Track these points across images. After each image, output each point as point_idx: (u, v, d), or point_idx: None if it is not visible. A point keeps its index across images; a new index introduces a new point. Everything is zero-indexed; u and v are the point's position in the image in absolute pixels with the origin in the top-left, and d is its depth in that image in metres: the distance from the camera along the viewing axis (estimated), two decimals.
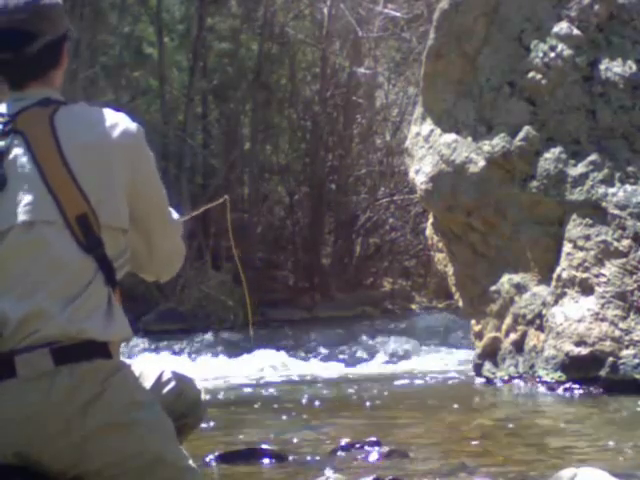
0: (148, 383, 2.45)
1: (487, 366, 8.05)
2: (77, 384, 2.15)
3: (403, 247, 20.12)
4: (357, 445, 5.19)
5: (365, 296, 18.24)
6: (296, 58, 20.01)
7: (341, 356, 11.42)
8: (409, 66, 19.42)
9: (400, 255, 20.09)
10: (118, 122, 2.31)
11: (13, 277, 2.18)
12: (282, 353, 11.19)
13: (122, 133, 2.29)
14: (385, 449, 5.07)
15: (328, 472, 4.52)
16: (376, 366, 10.51)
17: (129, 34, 18.53)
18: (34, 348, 2.14)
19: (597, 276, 7.27)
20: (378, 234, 20.03)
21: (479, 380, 8.13)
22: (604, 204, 7.36)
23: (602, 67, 7.62)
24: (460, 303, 8.55)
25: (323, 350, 11.91)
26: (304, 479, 4.59)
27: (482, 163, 7.88)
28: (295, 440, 5.66)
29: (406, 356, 11.14)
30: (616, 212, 7.29)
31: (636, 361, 7.02)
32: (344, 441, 5.29)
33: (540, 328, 7.58)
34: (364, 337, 12.71)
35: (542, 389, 7.39)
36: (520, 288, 7.74)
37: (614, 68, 7.60)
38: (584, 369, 7.18)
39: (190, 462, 2.33)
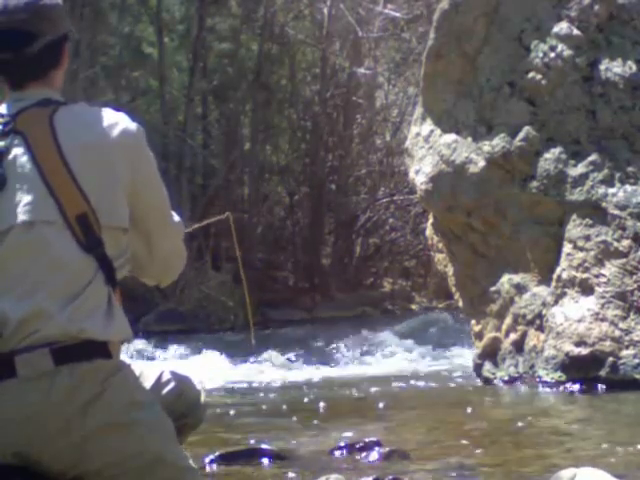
0: (148, 383, 2.45)
1: (487, 366, 8.05)
2: (77, 384, 2.15)
3: (403, 247, 20.14)
4: (357, 445, 5.19)
5: (365, 296, 18.25)
6: (296, 58, 20.03)
7: (341, 356, 11.41)
8: (409, 66, 19.43)
9: (400, 255, 20.11)
10: (118, 122, 2.30)
11: (13, 277, 2.18)
12: (282, 353, 11.18)
13: (122, 133, 2.29)
14: (385, 449, 5.06)
15: (328, 472, 4.51)
16: (376, 366, 10.50)
17: (129, 34, 18.54)
18: (34, 348, 2.14)
19: (597, 276, 7.27)
20: (378, 234, 20.04)
21: (479, 380, 8.13)
22: (604, 204, 7.36)
23: (602, 67, 7.62)
24: (460, 303, 8.55)
25: (323, 350, 11.91)
26: (304, 479, 4.59)
27: (482, 163, 7.88)
28: (295, 440, 5.66)
29: (406, 356, 11.14)
30: (616, 212, 7.29)
31: (636, 361, 7.02)
32: (344, 441, 5.29)
33: (540, 328, 7.58)
34: (364, 337, 12.71)
35: (542, 389, 7.39)
36: (520, 288, 7.73)
37: (614, 68, 7.60)
38: (584, 369, 7.18)
39: (190, 462, 2.33)
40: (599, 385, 7.11)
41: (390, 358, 11.10)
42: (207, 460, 4.92)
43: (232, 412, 6.99)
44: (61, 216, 2.20)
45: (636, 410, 6.48)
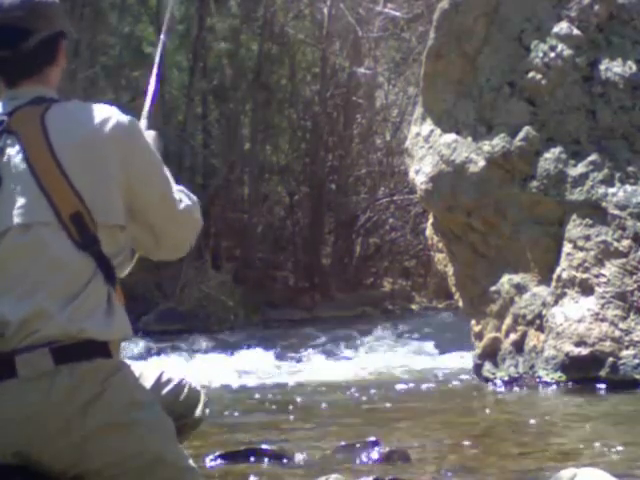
0: (148, 383, 2.45)
1: (487, 366, 8.05)
2: (77, 384, 2.15)
3: (403, 247, 20.13)
4: (357, 445, 5.19)
5: (365, 296, 18.23)
6: (296, 58, 20.01)
7: (341, 356, 11.41)
8: (409, 66, 19.42)
9: (400, 255, 20.10)
10: (109, 117, 2.29)
11: (12, 278, 2.18)
12: (282, 353, 11.18)
13: (113, 128, 2.27)
14: (385, 449, 5.07)
15: (328, 472, 4.51)
16: (376, 366, 10.50)
17: (129, 34, 18.53)
18: (34, 348, 2.14)
19: (597, 276, 7.27)
20: (378, 234, 20.03)
21: (479, 380, 8.13)
22: (604, 204, 7.36)
23: (602, 67, 7.62)
24: (460, 303, 8.54)
25: (323, 350, 11.91)
26: (304, 479, 4.59)
27: (482, 163, 7.88)
28: (295, 440, 5.66)
29: (406, 356, 11.14)
30: (616, 212, 7.29)
31: (636, 361, 7.02)
32: (344, 441, 5.29)
33: (540, 328, 7.58)
34: (364, 337, 12.70)
35: (542, 389, 7.39)
36: (520, 288, 7.73)
37: (614, 68, 7.60)
38: (584, 369, 7.18)
39: (190, 462, 2.33)
40: (599, 385, 7.11)
41: (390, 358, 11.10)
42: (207, 460, 4.92)
43: (232, 412, 6.98)
44: (55, 216, 2.20)
45: (636, 410, 6.48)
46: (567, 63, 7.69)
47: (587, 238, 7.36)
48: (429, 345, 11.77)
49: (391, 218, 20.10)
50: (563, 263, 7.47)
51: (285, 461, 4.98)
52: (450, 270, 8.50)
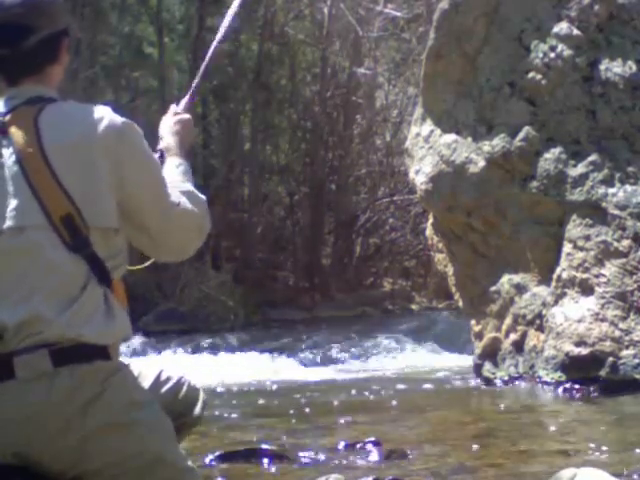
0: (147, 383, 2.45)
1: (487, 366, 8.05)
2: (77, 385, 2.15)
3: (403, 247, 20.13)
4: (357, 445, 5.19)
5: (365, 296, 18.24)
6: (296, 58, 20.02)
7: (341, 356, 11.41)
8: (409, 66, 19.42)
9: (400, 255, 20.10)
10: (101, 119, 2.26)
11: (7, 283, 2.17)
12: (282, 353, 11.19)
13: (105, 130, 2.25)
14: (385, 449, 5.07)
15: (328, 472, 4.51)
16: (375, 366, 10.50)
17: (129, 34, 18.53)
18: (33, 349, 2.13)
19: (597, 276, 7.27)
20: (378, 234, 20.04)
21: (479, 380, 8.13)
22: (604, 204, 7.36)
23: (602, 67, 7.62)
24: (460, 303, 8.55)
25: (323, 350, 11.91)
26: (304, 479, 4.59)
27: (482, 163, 7.88)
28: (295, 440, 5.66)
29: (406, 356, 11.14)
30: (616, 212, 7.29)
31: (636, 361, 7.02)
32: (344, 441, 5.29)
33: (540, 328, 7.58)
34: (364, 337, 12.71)
35: (542, 389, 7.39)
36: (520, 288, 7.73)
37: (614, 68, 7.59)
38: (584, 369, 7.18)
39: (189, 463, 2.33)
40: (599, 385, 7.11)
41: (390, 358, 11.11)
42: (207, 460, 4.92)
43: (232, 412, 6.98)
44: (46, 219, 2.19)
45: (636, 410, 6.47)
46: (567, 63, 7.69)
47: (587, 238, 7.36)
48: (429, 345, 11.78)
49: (391, 218, 20.11)
50: (563, 263, 7.47)
51: (285, 461, 4.98)
52: (450, 270, 8.50)
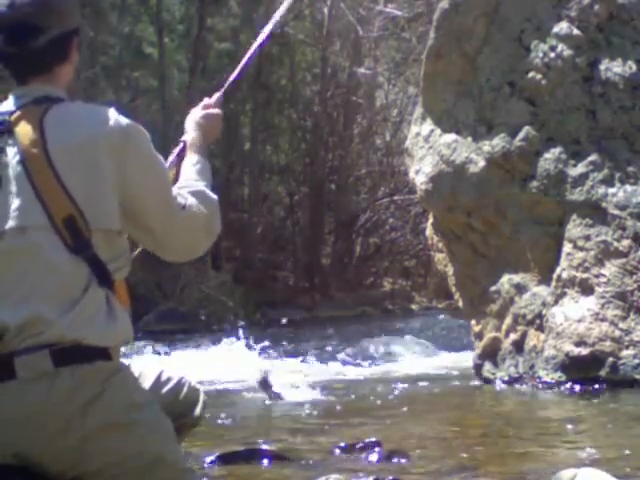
0: (147, 383, 2.45)
1: (487, 366, 8.05)
2: (77, 385, 2.15)
3: (403, 247, 20.15)
4: (357, 445, 5.19)
5: (365, 296, 18.25)
6: (296, 58, 20.03)
7: (341, 356, 11.41)
8: (409, 66, 19.44)
9: (400, 255, 20.12)
10: (106, 120, 2.26)
11: (8, 283, 2.18)
12: (282, 353, 11.18)
13: (109, 131, 2.25)
14: (385, 449, 5.06)
15: (328, 472, 4.51)
16: (376, 366, 10.50)
17: (129, 34, 18.54)
18: (34, 350, 2.14)
19: (597, 276, 7.27)
20: (378, 234, 20.05)
21: (479, 380, 8.13)
22: (604, 204, 7.36)
23: (602, 67, 7.62)
24: (460, 303, 8.54)
25: (323, 350, 11.91)
26: (304, 479, 4.59)
27: (482, 163, 7.88)
28: (295, 440, 5.66)
29: (406, 356, 11.14)
30: (616, 212, 7.29)
31: (636, 361, 7.02)
32: (344, 441, 5.29)
33: (540, 328, 7.58)
34: (364, 337, 12.70)
35: (542, 389, 7.39)
36: (520, 288, 7.73)
37: (614, 68, 7.59)
38: (584, 369, 7.18)
39: (189, 463, 2.33)
40: (599, 385, 7.11)
41: (390, 358, 11.10)
42: (207, 460, 4.91)
43: (232, 412, 6.98)
44: (49, 220, 2.19)
45: (636, 410, 6.47)
46: (567, 63, 7.69)
47: (587, 238, 7.35)
48: (429, 345, 11.77)
49: (391, 218, 20.13)
50: (563, 263, 7.47)
51: (285, 461, 4.98)
52: (450, 270, 8.50)
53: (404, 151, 9.09)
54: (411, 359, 10.91)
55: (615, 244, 7.25)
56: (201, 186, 2.44)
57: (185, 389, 2.55)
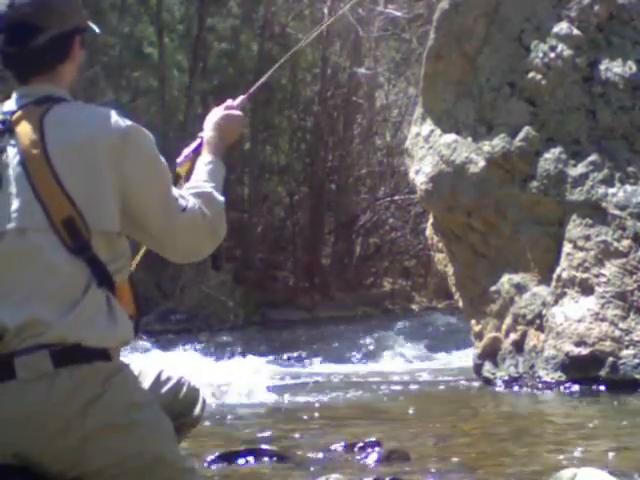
0: (147, 383, 2.45)
1: (487, 366, 8.05)
2: (77, 385, 2.15)
3: (403, 247, 20.14)
4: (357, 445, 5.19)
5: (365, 296, 18.24)
6: (296, 58, 20.00)
7: (341, 356, 11.41)
8: (409, 66, 19.43)
9: (400, 255, 20.11)
10: (105, 121, 2.25)
11: (8, 284, 2.17)
12: (281, 353, 11.19)
13: (108, 132, 2.24)
14: (385, 449, 5.07)
15: (328, 472, 4.51)
16: (376, 366, 10.50)
17: (129, 34, 18.52)
18: (33, 350, 2.14)
19: (597, 276, 7.27)
20: (378, 234, 20.05)
21: (479, 380, 8.13)
22: (604, 204, 7.36)
23: (602, 67, 7.62)
24: (460, 303, 8.54)
25: (323, 350, 11.91)
26: (304, 479, 4.59)
27: (482, 163, 7.88)
28: (295, 440, 5.66)
29: (406, 356, 11.14)
30: (616, 212, 7.29)
31: (636, 361, 7.02)
32: (344, 441, 5.29)
33: (540, 328, 7.58)
34: (364, 337, 12.71)
35: (542, 389, 7.39)
36: (520, 288, 7.73)
37: (614, 68, 7.59)
38: (584, 369, 7.18)
39: (189, 463, 2.33)
40: (599, 385, 7.11)
41: (390, 358, 11.10)
42: (207, 460, 4.92)
43: (232, 412, 6.98)
44: (48, 221, 2.18)
45: (636, 410, 6.47)
46: (567, 63, 7.69)
47: (587, 238, 7.36)
48: (429, 345, 11.77)
49: (391, 218, 20.12)
50: (563, 263, 7.47)
51: (285, 461, 4.98)
52: (450, 270, 8.50)
53: (404, 151, 9.09)
54: (411, 359, 10.91)
55: (615, 244, 7.25)
56: (208, 188, 2.42)
57: (185, 389, 2.55)
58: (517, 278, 7.76)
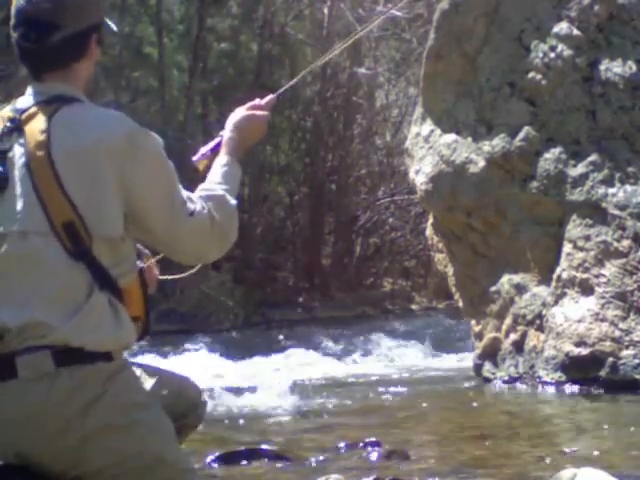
0: (148, 383, 2.45)
1: (487, 366, 8.05)
2: (78, 385, 2.15)
3: (403, 247, 20.14)
4: (357, 445, 5.19)
5: (365, 296, 18.24)
6: (296, 58, 20.01)
7: (341, 357, 11.40)
8: (409, 66, 19.43)
9: (400, 255, 20.11)
10: (112, 125, 2.24)
11: (10, 286, 2.18)
12: (281, 353, 11.18)
13: (115, 136, 2.23)
14: (385, 449, 5.07)
15: (328, 472, 4.51)
16: (376, 367, 10.50)
17: (129, 34, 18.51)
18: (35, 350, 2.14)
19: (597, 276, 7.27)
20: (378, 234, 20.04)
21: (479, 380, 8.13)
22: (604, 204, 7.36)
23: (602, 67, 7.62)
24: (460, 303, 8.54)
25: (323, 350, 11.90)
26: (304, 479, 4.59)
27: (482, 163, 7.88)
28: (295, 440, 5.66)
29: (406, 356, 11.13)
30: (616, 212, 7.29)
31: (636, 361, 7.02)
32: (344, 441, 5.29)
33: (540, 328, 7.58)
34: (364, 338, 12.70)
35: (542, 389, 7.39)
36: (520, 288, 7.73)
37: (614, 68, 7.59)
38: (584, 369, 7.18)
39: (190, 463, 2.33)
40: (599, 385, 7.11)
41: (389, 358, 11.10)
42: (207, 460, 4.92)
43: (232, 412, 6.98)
44: (49, 225, 2.18)
45: (636, 410, 6.47)
46: (567, 63, 7.69)
47: (587, 238, 7.35)
48: (429, 345, 11.77)
49: (391, 218, 20.12)
50: (563, 263, 7.47)
51: (285, 461, 4.98)
52: (450, 270, 8.50)
53: (404, 151, 9.09)
54: (411, 359, 10.91)
55: (615, 244, 7.25)
56: (220, 191, 2.40)
57: (186, 390, 2.55)
58: (517, 278, 7.76)
